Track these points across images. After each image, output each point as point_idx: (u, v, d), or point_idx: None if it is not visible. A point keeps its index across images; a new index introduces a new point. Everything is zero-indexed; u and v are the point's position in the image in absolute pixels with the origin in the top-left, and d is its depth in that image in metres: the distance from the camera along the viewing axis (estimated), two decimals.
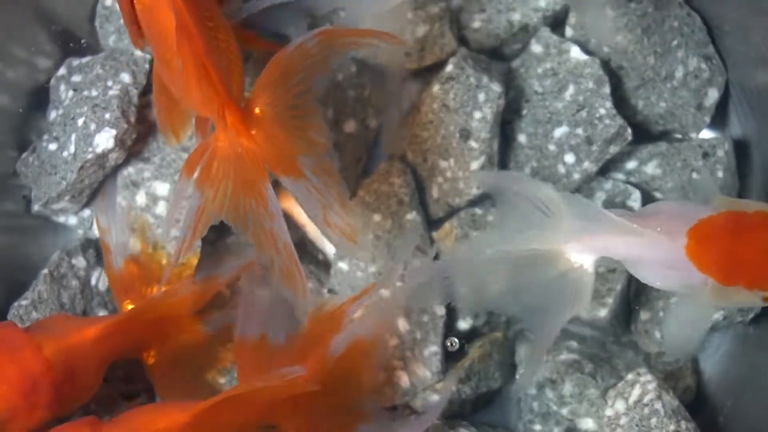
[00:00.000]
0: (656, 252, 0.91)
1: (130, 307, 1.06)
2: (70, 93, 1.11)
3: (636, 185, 1.12)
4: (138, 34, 0.97)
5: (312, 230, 1.14)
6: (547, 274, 0.93)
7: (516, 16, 1.14)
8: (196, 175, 0.89)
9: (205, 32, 0.86)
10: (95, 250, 1.12)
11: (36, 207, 1.11)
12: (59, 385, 0.94)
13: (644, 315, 1.11)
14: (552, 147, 1.11)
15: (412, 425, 1.04)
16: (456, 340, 1.09)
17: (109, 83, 1.08)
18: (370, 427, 1.02)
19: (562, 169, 1.11)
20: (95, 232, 1.12)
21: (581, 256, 0.93)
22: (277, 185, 0.98)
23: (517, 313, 1.04)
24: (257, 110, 0.89)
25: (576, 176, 1.10)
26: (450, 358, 1.09)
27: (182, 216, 0.93)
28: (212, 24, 0.89)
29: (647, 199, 1.12)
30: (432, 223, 1.13)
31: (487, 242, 0.97)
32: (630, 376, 1.03)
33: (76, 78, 1.12)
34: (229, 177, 0.88)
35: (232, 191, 0.88)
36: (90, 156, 1.06)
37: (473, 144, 1.09)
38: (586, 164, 1.10)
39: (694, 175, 1.12)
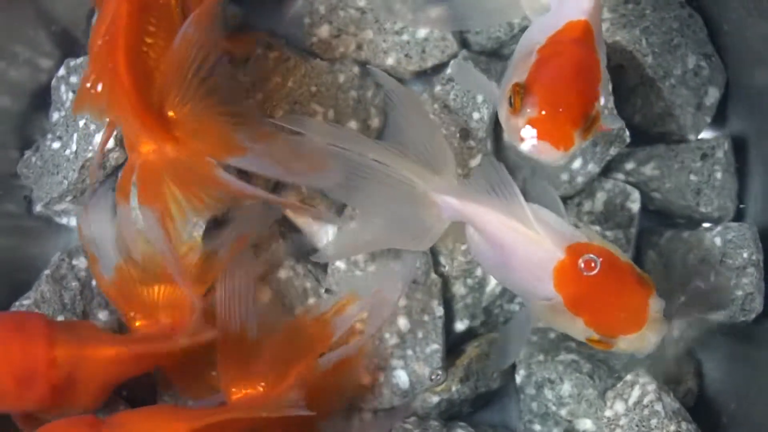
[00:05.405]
0: (531, 250, 0.88)
1: (137, 323, 1.04)
2: (71, 95, 1.12)
3: (635, 185, 1.12)
4: None
5: (310, 232, 1.14)
6: (409, 206, 0.96)
7: (516, 19, 1.14)
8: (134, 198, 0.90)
9: (133, 48, 0.87)
10: None
11: (38, 208, 1.12)
12: (58, 387, 0.94)
13: None
14: None
15: (369, 427, 1.06)
16: (441, 373, 1.07)
17: None
18: (328, 424, 1.03)
19: (564, 176, 1.10)
20: None
21: (447, 211, 0.95)
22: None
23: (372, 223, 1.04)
24: (171, 113, 0.89)
25: (580, 179, 1.10)
26: (448, 357, 1.08)
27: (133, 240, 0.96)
28: (151, 40, 0.90)
29: (646, 199, 1.12)
30: None
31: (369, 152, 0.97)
32: (629, 377, 1.02)
33: (74, 79, 1.12)
34: (172, 183, 0.89)
35: (184, 194, 0.89)
36: (90, 155, 1.06)
37: (472, 143, 1.09)
38: (590, 166, 1.10)
39: (692, 177, 1.11)
